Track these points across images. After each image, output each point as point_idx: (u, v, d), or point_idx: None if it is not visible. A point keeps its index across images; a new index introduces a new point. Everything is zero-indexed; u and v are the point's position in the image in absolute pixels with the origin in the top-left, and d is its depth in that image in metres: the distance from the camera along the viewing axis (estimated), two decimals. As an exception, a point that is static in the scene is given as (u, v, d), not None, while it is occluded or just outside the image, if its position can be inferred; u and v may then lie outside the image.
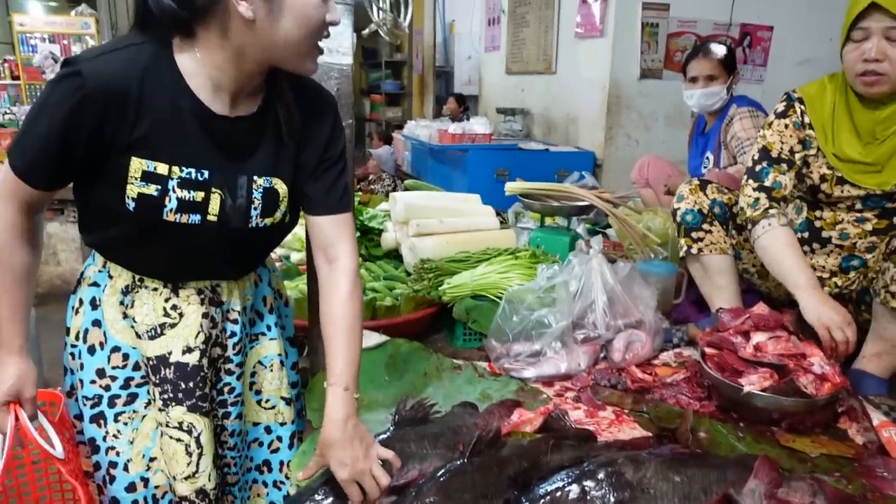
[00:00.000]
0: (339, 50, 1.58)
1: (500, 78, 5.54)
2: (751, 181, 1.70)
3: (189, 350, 1.11)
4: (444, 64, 8.13)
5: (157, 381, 1.11)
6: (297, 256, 2.26)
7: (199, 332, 1.12)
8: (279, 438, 1.29)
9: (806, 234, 1.80)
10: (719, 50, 2.55)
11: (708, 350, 1.58)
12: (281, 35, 0.95)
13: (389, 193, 4.39)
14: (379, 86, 9.63)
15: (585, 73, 4.28)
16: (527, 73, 5.06)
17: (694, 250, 1.92)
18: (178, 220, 1.01)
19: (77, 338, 1.14)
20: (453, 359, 1.78)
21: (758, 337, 1.51)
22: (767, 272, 1.82)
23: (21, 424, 1.01)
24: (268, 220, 1.09)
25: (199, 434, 1.12)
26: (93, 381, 1.13)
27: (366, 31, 2.05)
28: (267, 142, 1.06)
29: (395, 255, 2.38)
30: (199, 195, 1.01)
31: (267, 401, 1.27)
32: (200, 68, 0.97)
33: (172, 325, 1.11)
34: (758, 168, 1.69)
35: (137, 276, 1.11)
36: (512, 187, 2.30)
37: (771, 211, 1.64)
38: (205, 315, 1.13)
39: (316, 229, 1.16)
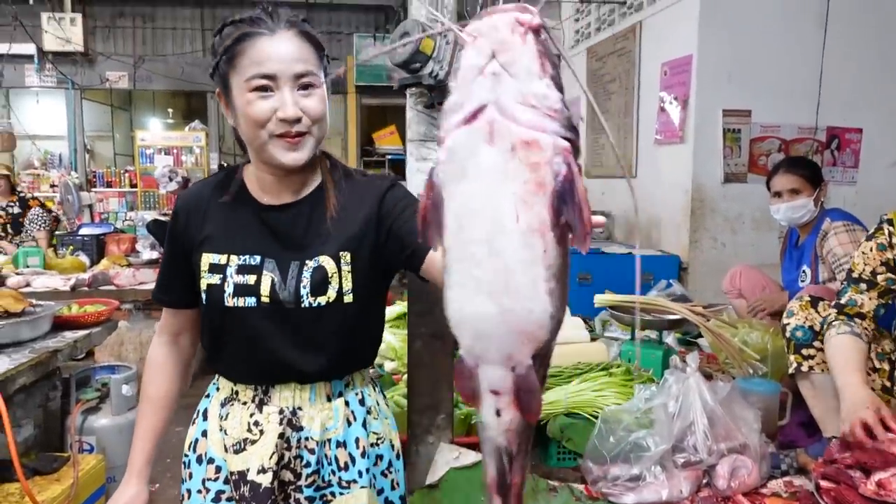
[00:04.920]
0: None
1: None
2: (835, 298, 1.83)
3: (263, 471, 1.12)
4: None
5: (238, 498, 1.13)
6: (392, 365, 2.34)
7: (273, 453, 1.12)
8: None
9: None
10: (801, 165, 2.57)
11: (823, 483, 1.50)
12: (245, 134, 1.06)
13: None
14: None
15: (667, 178, 4.33)
16: (607, 177, 5.18)
17: (804, 368, 1.87)
18: (237, 304, 1.09)
19: (189, 447, 1.21)
20: (548, 479, 1.76)
21: (880, 473, 1.42)
22: (889, 397, 1.76)
23: None
24: (321, 299, 1.09)
25: None
26: (199, 491, 1.17)
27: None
28: (316, 225, 1.12)
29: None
30: (252, 278, 1.10)
31: None
32: (252, 170, 1.13)
33: (253, 442, 1.14)
34: (840, 287, 1.82)
35: (234, 389, 1.17)
36: (602, 299, 2.32)
37: (834, 322, 1.73)
38: (281, 435, 1.13)
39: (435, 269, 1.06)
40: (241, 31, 1.02)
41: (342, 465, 1.15)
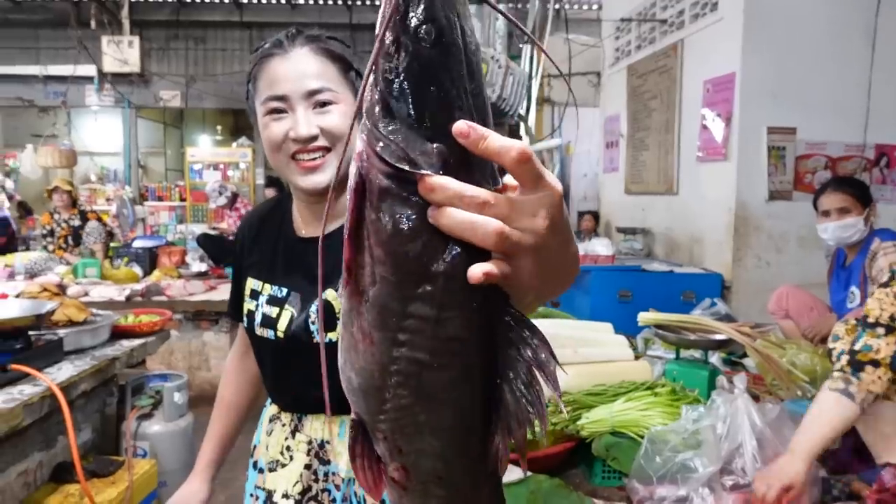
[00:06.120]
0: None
1: (620, 197, 5.66)
2: (850, 342, 1.79)
3: (286, 496, 1.12)
4: (560, 181, 8.42)
5: None
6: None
7: (297, 482, 1.11)
8: None
9: None
10: (850, 184, 2.54)
11: (877, 510, 1.47)
12: (270, 161, 1.03)
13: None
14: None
15: (709, 195, 4.29)
16: (647, 194, 5.15)
17: None
18: (262, 335, 1.09)
19: (252, 451, 1.25)
20: (593, 497, 1.77)
21: (937, 501, 1.39)
22: None
23: None
24: (331, 336, 1.04)
25: None
26: (251, 495, 1.20)
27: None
28: (337, 260, 1.11)
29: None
30: (275, 311, 1.08)
31: None
32: (296, 201, 1.13)
33: (283, 466, 1.15)
34: (856, 332, 1.77)
35: (278, 409, 1.19)
36: (646, 318, 2.32)
37: (835, 374, 1.70)
38: (307, 466, 1.12)
39: None
40: (260, 55, 1.01)
41: None
